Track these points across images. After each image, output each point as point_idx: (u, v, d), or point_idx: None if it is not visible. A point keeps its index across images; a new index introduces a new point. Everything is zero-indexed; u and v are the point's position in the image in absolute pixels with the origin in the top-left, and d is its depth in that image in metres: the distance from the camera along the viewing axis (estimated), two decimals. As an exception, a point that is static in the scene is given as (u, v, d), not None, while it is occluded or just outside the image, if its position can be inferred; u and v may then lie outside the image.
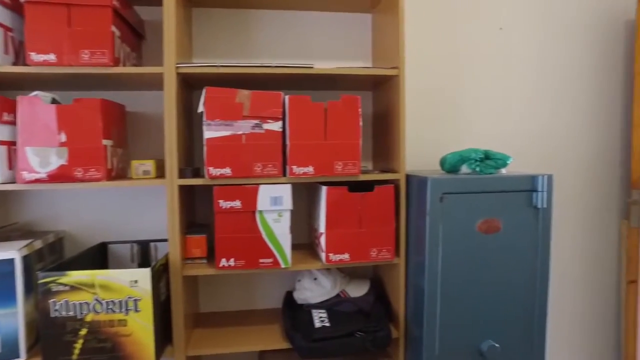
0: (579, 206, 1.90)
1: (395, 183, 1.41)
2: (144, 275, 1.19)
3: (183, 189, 1.33)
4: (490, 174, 1.35)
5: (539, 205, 1.31)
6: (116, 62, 1.23)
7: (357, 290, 1.50)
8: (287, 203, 1.31)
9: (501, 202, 1.30)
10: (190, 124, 1.53)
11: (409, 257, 1.40)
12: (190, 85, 1.50)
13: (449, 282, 1.28)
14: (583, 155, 1.89)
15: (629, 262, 1.76)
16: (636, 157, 1.71)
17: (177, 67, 1.25)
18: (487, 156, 1.37)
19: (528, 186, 1.31)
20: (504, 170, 1.39)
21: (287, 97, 1.29)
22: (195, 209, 1.60)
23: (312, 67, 1.30)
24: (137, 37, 1.48)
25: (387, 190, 1.37)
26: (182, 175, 1.29)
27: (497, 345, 1.30)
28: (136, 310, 1.19)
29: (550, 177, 1.31)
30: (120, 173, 1.39)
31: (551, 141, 1.85)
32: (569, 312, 1.93)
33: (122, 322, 1.18)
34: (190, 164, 1.53)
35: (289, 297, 1.58)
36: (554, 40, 1.83)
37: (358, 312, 1.44)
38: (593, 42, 1.86)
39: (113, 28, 1.21)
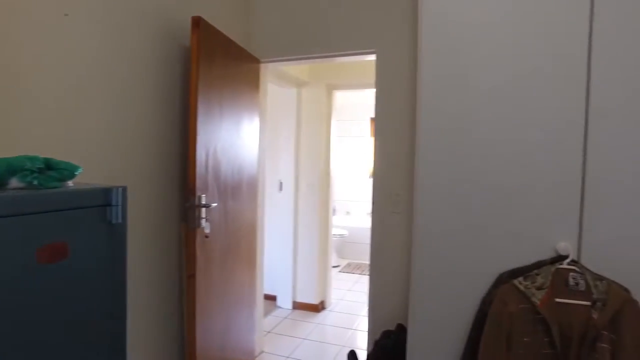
0: (145, 212, 1.94)
1: None
2: None
3: None
4: (55, 187, 1.11)
5: (114, 221, 1.21)
6: None
7: None
8: None
9: (69, 221, 1.10)
10: None
11: None
12: None
13: (-2, 336, 0.95)
14: (149, 165, 1.94)
15: (189, 259, 1.97)
16: (192, 168, 1.93)
17: None
18: (48, 166, 1.12)
19: (101, 200, 1.18)
20: (71, 183, 1.19)
21: None
22: None
23: None
24: None
25: None
26: None
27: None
28: None
29: (124, 190, 1.24)
30: None
31: (119, 150, 1.79)
32: (139, 310, 1.94)
33: None
34: None
35: None
36: (119, 51, 1.77)
37: None
38: (156, 60, 1.95)
39: None
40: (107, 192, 1.19)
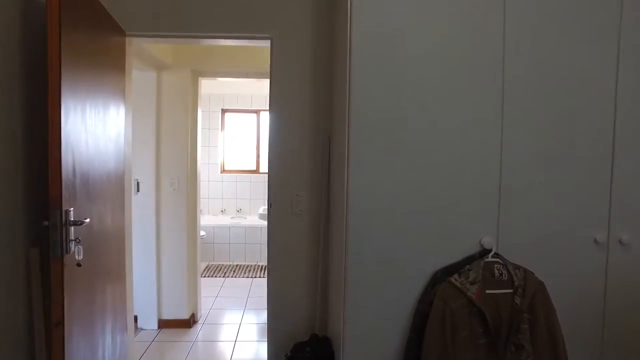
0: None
1: None
2: None
3: None
4: None
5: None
6: None
7: None
8: None
9: None
10: None
11: None
12: None
13: None
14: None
15: (54, 301, 1.42)
16: (56, 173, 1.39)
17: None
18: None
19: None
20: None
21: None
22: None
23: None
24: None
25: None
26: None
27: None
28: None
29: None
30: None
31: None
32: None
33: None
34: None
35: None
36: None
37: None
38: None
39: None
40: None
